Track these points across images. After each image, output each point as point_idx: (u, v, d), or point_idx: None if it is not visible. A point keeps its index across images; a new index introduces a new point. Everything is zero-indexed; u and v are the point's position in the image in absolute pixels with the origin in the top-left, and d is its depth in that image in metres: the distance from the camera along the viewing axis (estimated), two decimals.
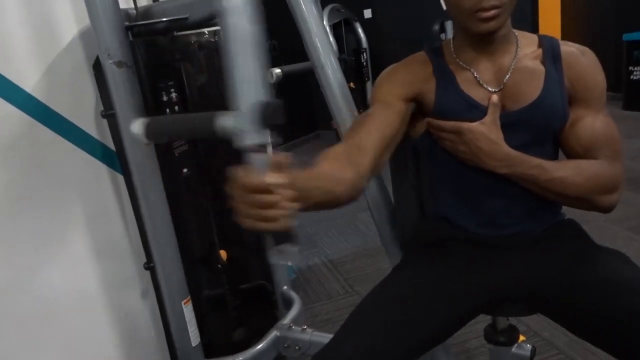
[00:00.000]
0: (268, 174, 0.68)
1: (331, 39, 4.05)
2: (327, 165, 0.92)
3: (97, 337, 1.52)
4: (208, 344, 1.61)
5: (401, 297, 1.01)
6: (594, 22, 5.88)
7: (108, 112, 1.40)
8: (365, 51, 5.00)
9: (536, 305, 1.06)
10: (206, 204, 1.66)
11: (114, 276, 1.54)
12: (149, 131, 1.11)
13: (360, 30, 5.03)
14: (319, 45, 1.24)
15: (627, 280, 0.93)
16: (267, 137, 0.76)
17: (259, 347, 1.61)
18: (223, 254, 1.73)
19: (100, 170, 1.49)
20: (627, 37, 4.97)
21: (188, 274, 1.51)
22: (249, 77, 0.80)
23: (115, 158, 1.50)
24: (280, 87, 1.48)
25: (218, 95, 1.68)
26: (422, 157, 1.16)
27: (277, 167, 0.70)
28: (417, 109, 1.05)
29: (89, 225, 1.46)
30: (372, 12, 5.52)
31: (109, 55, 1.27)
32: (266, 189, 0.68)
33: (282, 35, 1.81)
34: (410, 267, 1.09)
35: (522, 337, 1.32)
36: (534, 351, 1.29)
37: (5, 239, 1.29)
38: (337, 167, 0.92)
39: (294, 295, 1.86)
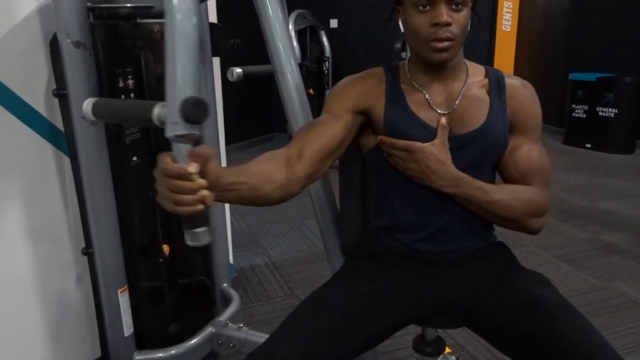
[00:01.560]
0: (186, 163, 0.76)
1: (295, 44, 4.09)
2: (262, 165, 0.97)
3: (23, 321, 1.47)
4: (141, 336, 1.59)
5: (337, 305, 1.04)
6: (544, 60, 6.21)
7: (60, 92, 1.37)
8: (328, 60, 5.06)
9: (463, 319, 1.12)
10: (153, 195, 1.64)
11: (49, 260, 1.50)
12: (95, 110, 1.09)
13: (324, 39, 5.08)
14: (281, 50, 1.27)
15: (544, 302, 1.00)
16: (189, 130, 0.81)
17: (192, 341, 1.60)
18: (166, 248, 1.72)
19: (45, 150, 1.45)
20: (573, 76, 5.28)
21: (127, 264, 1.49)
22: (182, 73, 0.85)
23: (62, 139, 1.46)
24: (241, 87, 1.49)
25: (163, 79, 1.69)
26: (369, 171, 1.20)
27: (195, 158, 0.77)
28: (367, 123, 1.10)
29: (28, 206, 1.42)
30: (338, 23, 5.60)
31: (67, 34, 1.24)
32: (183, 176, 0.75)
33: (246, 35, 1.81)
34: (349, 277, 1.13)
35: (448, 349, 1.38)
36: None
37: None
38: (271, 168, 0.97)
39: (233, 293, 1.87)
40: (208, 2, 1.70)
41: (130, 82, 1.49)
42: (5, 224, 1.38)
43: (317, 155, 1.02)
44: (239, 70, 1.42)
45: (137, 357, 1.52)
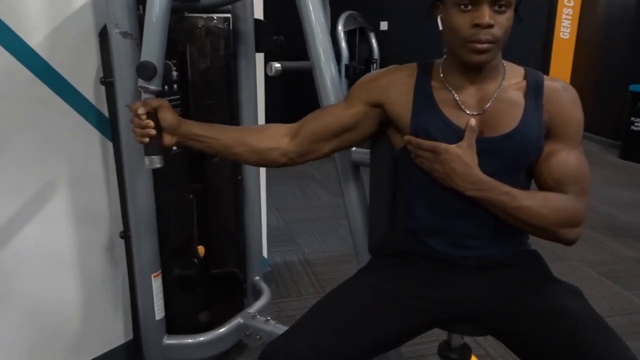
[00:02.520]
0: (138, 106, 1.10)
1: (343, 44, 4.07)
2: (251, 131, 1.25)
3: (64, 297, 1.54)
4: (172, 321, 1.63)
5: (358, 301, 1.04)
6: (603, 70, 5.95)
7: (107, 80, 1.43)
8: (376, 62, 5.04)
9: (487, 327, 1.09)
10: (192, 197, 1.69)
11: (89, 241, 1.57)
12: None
13: (373, 41, 5.06)
14: (320, 47, 1.27)
15: (573, 314, 0.96)
16: (142, 84, 1.15)
17: (221, 330, 1.63)
18: (201, 249, 1.77)
19: (91, 135, 1.52)
20: (633, 87, 5.03)
21: (162, 251, 1.54)
22: (146, 43, 1.20)
23: (107, 125, 1.53)
24: (285, 86, 1.52)
25: (218, 80, 1.73)
26: (400, 172, 1.19)
27: (145, 104, 1.11)
28: (389, 119, 1.09)
29: (72, 188, 1.49)
30: (388, 25, 5.56)
31: (116, 25, 1.30)
32: (136, 114, 1.10)
33: (291, 32, 1.83)
34: (372, 274, 1.12)
35: (474, 358, 1.35)
36: None
37: None
38: (256, 134, 1.17)
39: (264, 286, 1.89)
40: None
41: (174, 73, 1.54)
42: (52, 204, 1.45)
43: (313, 135, 1.10)
44: (277, 65, 1.43)
45: (167, 341, 1.56)
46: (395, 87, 1.07)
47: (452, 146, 0.98)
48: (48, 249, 1.46)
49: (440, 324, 1.12)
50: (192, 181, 1.70)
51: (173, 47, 1.54)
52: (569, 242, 1.04)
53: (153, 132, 1.11)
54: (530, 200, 0.99)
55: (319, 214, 3.27)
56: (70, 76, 1.43)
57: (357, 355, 1.00)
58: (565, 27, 6.44)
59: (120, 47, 1.31)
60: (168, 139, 1.15)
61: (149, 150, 1.16)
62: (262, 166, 1.34)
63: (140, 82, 1.16)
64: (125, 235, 1.54)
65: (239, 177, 1.86)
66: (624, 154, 5.14)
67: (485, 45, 0.94)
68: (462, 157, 0.98)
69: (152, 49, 1.19)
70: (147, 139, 1.12)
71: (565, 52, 6.50)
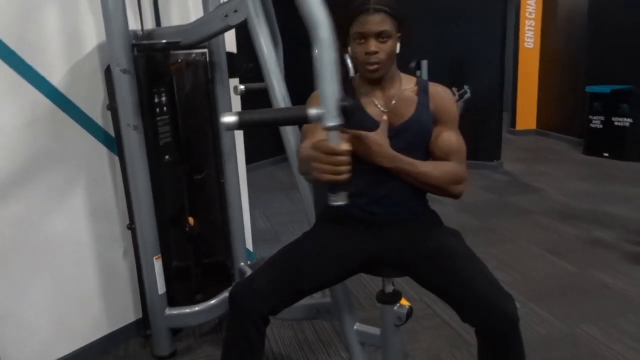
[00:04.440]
0: (343, 144, 1.08)
1: None
2: None
3: (82, 278, 1.93)
4: (173, 299, 2.01)
5: (302, 251, 1.43)
6: (565, 75, 6.39)
7: (112, 106, 1.85)
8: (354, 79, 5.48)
9: (402, 269, 1.47)
10: (182, 185, 2.09)
11: (103, 232, 1.97)
12: (241, 120, 1.18)
13: (348, 61, 5.51)
14: (270, 71, 1.67)
15: (452, 249, 1.35)
16: (340, 122, 1.10)
17: (211, 302, 2.02)
18: (191, 219, 2.15)
19: (101, 150, 1.93)
20: (589, 89, 5.47)
21: (162, 240, 1.93)
22: (332, 85, 1.13)
23: (113, 142, 1.94)
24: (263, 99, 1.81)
25: (200, 101, 2.14)
26: None
27: (347, 140, 1.15)
28: None
29: (89, 190, 1.90)
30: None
31: (117, 63, 1.72)
32: (340, 153, 1.08)
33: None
34: (314, 233, 1.51)
35: (404, 301, 1.73)
36: (410, 310, 1.69)
37: (26, 185, 1.72)
38: None
39: (248, 270, 2.27)
40: (227, 34, 2.16)
41: (164, 98, 1.95)
42: (72, 203, 1.86)
43: None
44: (242, 86, 1.85)
45: (168, 312, 1.95)
46: None
47: (371, 133, 1.37)
48: (72, 237, 1.87)
49: (366, 268, 1.50)
50: (181, 172, 2.10)
51: (161, 78, 1.96)
52: (456, 196, 1.43)
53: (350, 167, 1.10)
54: (427, 167, 1.39)
55: (303, 217, 3.65)
56: (82, 104, 1.85)
57: (301, 289, 1.37)
58: (529, 37, 6.93)
59: (121, 81, 1.74)
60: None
61: (342, 186, 1.10)
62: None
63: (335, 121, 1.09)
64: (131, 226, 1.94)
65: (222, 181, 2.27)
66: (586, 150, 5.55)
67: (375, 66, 1.35)
68: (378, 139, 1.36)
69: (337, 88, 1.14)
70: (347, 175, 1.09)
71: (531, 60, 6.97)
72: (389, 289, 1.69)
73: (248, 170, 2.68)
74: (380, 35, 1.34)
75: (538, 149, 6.18)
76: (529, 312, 2.22)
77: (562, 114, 6.52)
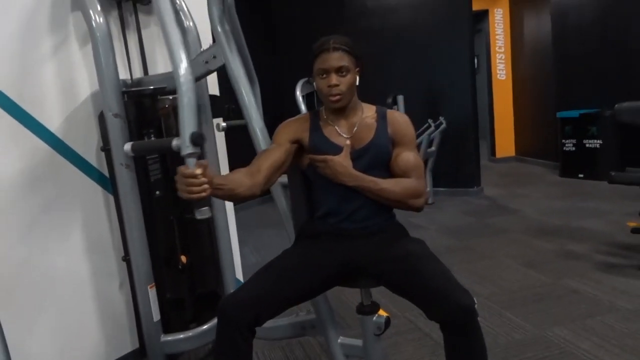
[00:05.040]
0: (194, 168, 1.31)
1: (302, 107, 4.72)
2: (236, 175, 1.54)
3: (83, 312, 2.05)
4: (167, 327, 2.13)
5: (282, 265, 1.58)
6: (537, 102, 6.71)
7: (106, 147, 2.02)
8: None
9: (376, 279, 1.62)
10: (173, 219, 2.25)
11: (100, 266, 2.10)
12: (134, 148, 1.69)
13: None
14: (252, 112, 1.85)
15: (416, 255, 1.50)
16: (193, 150, 1.39)
17: (205, 327, 2.14)
18: (183, 258, 2.29)
19: (96, 190, 2.09)
20: (560, 114, 5.75)
21: (157, 274, 2.07)
22: (188, 121, 1.47)
23: (107, 181, 2.10)
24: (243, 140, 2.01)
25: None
26: (309, 180, 1.76)
27: (200, 166, 1.32)
28: (301, 148, 1.66)
29: (86, 227, 2.05)
30: None
31: (109, 109, 1.90)
32: (194, 176, 1.29)
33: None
34: (294, 249, 1.67)
35: (382, 312, 1.87)
36: (388, 319, 1.82)
37: (27, 225, 1.87)
38: (241, 177, 1.51)
39: None
40: (209, 77, 2.37)
41: (153, 138, 2.13)
42: (71, 241, 2.00)
43: (269, 169, 1.58)
44: (223, 124, 2.04)
45: (164, 338, 2.06)
46: (300, 127, 1.66)
47: (335, 157, 1.56)
48: (72, 272, 2.00)
49: (343, 280, 1.64)
50: (173, 211, 2.26)
51: (150, 121, 2.14)
52: (416, 209, 1.59)
53: (208, 187, 1.31)
54: (387, 184, 1.56)
55: (275, 229, 3.79)
56: (78, 148, 2.02)
57: (283, 299, 1.51)
58: (501, 69, 7.29)
59: (113, 124, 1.92)
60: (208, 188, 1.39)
61: (202, 203, 1.38)
62: (248, 199, 1.62)
63: (189, 150, 1.39)
64: (126, 258, 2.08)
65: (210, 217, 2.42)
66: (562, 172, 5.79)
67: (337, 97, 1.55)
68: (341, 162, 1.55)
69: (192, 124, 1.50)
70: (204, 193, 1.31)
71: (504, 90, 7.31)
72: (367, 300, 1.84)
73: (237, 210, 2.84)
74: (340, 70, 1.54)
75: (517, 174, 6.41)
76: (505, 320, 2.35)
77: (538, 139, 6.79)
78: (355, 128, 1.62)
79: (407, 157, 1.61)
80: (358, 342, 1.92)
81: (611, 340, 2.09)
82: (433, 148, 4.88)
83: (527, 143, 7.12)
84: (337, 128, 1.63)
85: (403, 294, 1.52)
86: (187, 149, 1.40)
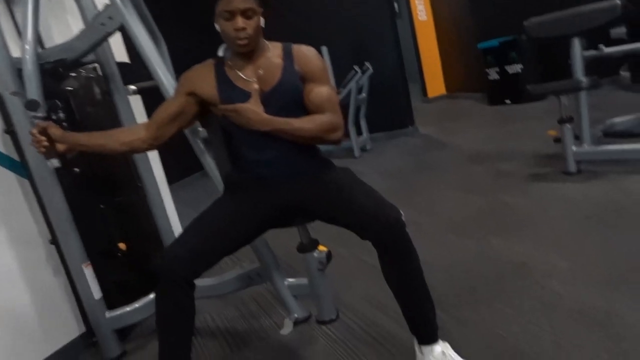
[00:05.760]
0: (33, 129, 1.58)
1: None
2: (115, 131, 1.70)
3: (18, 304, 1.96)
4: (114, 305, 2.07)
5: (213, 215, 1.55)
6: (459, 38, 6.85)
7: (10, 129, 1.90)
8: None
9: (309, 214, 1.63)
10: (101, 206, 2.17)
11: (29, 256, 2.00)
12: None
13: None
14: (159, 71, 1.78)
15: (341, 182, 1.52)
16: (32, 114, 1.70)
17: (151, 296, 2.09)
18: (122, 245, 2.23)
19: (9, 176, 1.98)
20: (481, 45, 5.90)
21: (98, 266, 2.01)
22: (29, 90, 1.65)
23: (19, 165, 1.99)
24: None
25: (101, 113, 2.22)
26: (226, 132, 1.71)
27: (37, 127, 1.55)
28: (206, 101, 1.59)
29: (5, 218, 1.94)
30: None
31: (5, 87, 1.78)
32: (32, 134, 1.57)
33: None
34: (224, 199, 1.64)
35: (322, 247, 1.89)
36: (329, 253, 1.86)
37: None
38: (121, 132, 1.68)
39: None
40: (115, 45, 2.25)
41: (61, 114, 2.02)
42: None
43: (159, 123, 1.58)
44: (133, 87, 1.95)
45: (109, 315, 2.01)
46: (200, 78, 1.59)
47: (245, 104, 1.50)
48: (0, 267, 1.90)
49: (277, 222, 1.64)
50: (99, 194, 2.18)
51: (55, 97, 2.02)
52: (334, 142, 1.59)
53: (46, 143, 1.57)
54: (302, 122, 1.54)
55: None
56: None
57: (218, 249, 1.49)
58: (421, 10, 7.36)
59: (13, 104, 1.80)
60: (61, 147, 1.60)
61: (47, 156, 1.65)
62: (131, 153, 1.99)
63: (30, 114, 1.67)
64: (54, 241, 1.99)
65: (139, 185, 2.35)
66: (490, 101, 5.99)
67: (245, 41, 1.49)
68: (252, 108, 1.50)
69: (32, 92, 1.71)
70: (43, 149, 1.57)
71: (427, 31, 7.41)
72: (306, 238, 1.86)
73: (178, 187, 2.77)
74: (245, 13, 1.47)
75: (449, 110, 6.58)
76: (447, 242, 2.44)
77: (465, 74, 6.97)
78: (261, 70, 1.56)
79: (320, 91, 1.57)
80: (304, 281, 1.95)
81: (541, 239, 2.22)
82: (363, 94, 4.91)
83: (456, 79, 7.30)
84: (242, 74, 1.57)
85: (336, 223, 1.53)
86: (29, 114, 1.70)
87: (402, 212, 1.39)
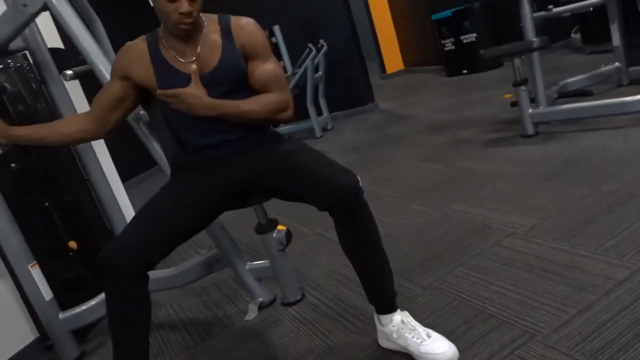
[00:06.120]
0: None
1: None
2: (56, 124, 1.60)
3: None
4: (66, 302, 1.97)
5: (161, 202, 1.46)
6: (413, 12, 6.81)
7: None
8: None
9: (264, 193, 1.55)
10: (46, 204, 2.04)
11: None
12: None
13: None
14: (91, 54, 1.67)
15: (292, 152, 1.44)
16: None
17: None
18: (73, 244, 2.11)
19: None
20: (434, 17, 5.88)
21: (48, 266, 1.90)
22: None
23: None
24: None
25: (37, 103, 2.09)
26: (168, 116, 1.59)
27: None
28: (143, 85, 1.47)
29: None
30: None
31: None
32: None
33: None
34: (171, 185, 1.53)
35: (281, 226, 1.83)
36: (289, 232, 1.80)
37: None
38: (64, 124, 1.58)
39: None
40: (47, 30, 2.11)
41: None
42: None
43: (101, 112, 1.49)
44: (70, 72, 1.83)
45: (62, 315, 1.91)
46: (132, 60, 1.46)
47: (185, 88, 1.38)
48: None
49: (231, 203, 1.56)
50: (43, 191, 2.06)
51: None
52: (285, 121, 1.51)
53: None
54: (249, 104, 1.43)
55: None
56: None
57: (170, 237, 1.40)
58: None
59: None
60: (2, 140, 1.56)
61: None
62: (74, 144, 1.92)
63: None
64: None
65: (86, 178, 2.23)
66: (448, 72, 5.99)
67: (189, 26, 1.36)
68: (194, 93, 1.37)
69: None
70: None
71: (381, 8, 7.34)
72: (264, 219, 1.79)
73: (136, 183, 2.64)
74: None
75: (408, 84, 6.57)
76: (409, 210, 2.41)
77: (421, 48, 6.96)
78: (199, 49, 1.44)
79: (264, 69, 1.47)
80: (266, 264, 1.88)
81: (502, 201, 2.21)
82: (320, 72, 4.82)
83: (413, 54, 7.28)
84: (179, 55, 1.44)
85: (291, 196, 1.46)
86: None
87: (359, 177, 1.33)
